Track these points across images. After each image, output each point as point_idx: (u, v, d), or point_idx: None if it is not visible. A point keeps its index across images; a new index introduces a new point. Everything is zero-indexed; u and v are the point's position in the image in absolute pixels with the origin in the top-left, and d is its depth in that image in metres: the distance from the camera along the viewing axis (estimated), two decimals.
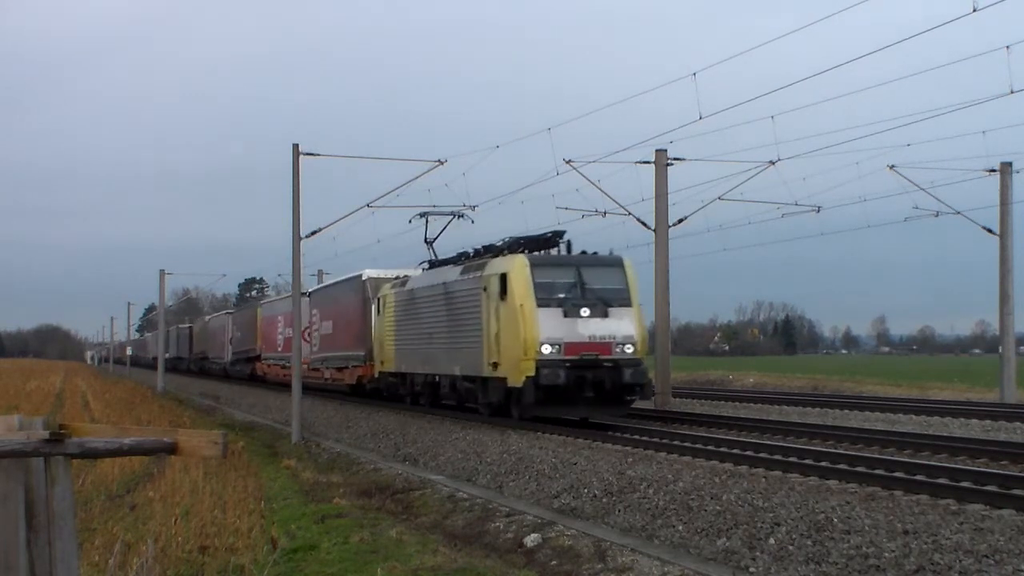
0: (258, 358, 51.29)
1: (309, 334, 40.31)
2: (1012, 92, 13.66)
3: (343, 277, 37.31)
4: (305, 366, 38.65)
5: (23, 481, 5.37)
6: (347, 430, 27.40)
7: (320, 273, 57.01)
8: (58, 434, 5.42)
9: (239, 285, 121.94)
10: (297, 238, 26.80)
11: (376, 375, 31.48)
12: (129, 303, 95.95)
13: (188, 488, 14.73)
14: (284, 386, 42.97)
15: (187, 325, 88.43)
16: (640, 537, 12.12)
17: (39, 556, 5.38)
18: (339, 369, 36.50)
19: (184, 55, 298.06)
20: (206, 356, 71.30)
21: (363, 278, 32.87)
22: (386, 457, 21.64)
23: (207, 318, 77.16)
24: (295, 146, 26.16)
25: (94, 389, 54.39)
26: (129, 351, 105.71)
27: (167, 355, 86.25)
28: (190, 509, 13.20)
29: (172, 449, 5.78)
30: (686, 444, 17.61)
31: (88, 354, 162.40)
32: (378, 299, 30.69)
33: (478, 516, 13.89)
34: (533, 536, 12.11)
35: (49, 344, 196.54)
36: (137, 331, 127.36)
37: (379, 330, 30.40)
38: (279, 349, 46.49)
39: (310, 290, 41.77)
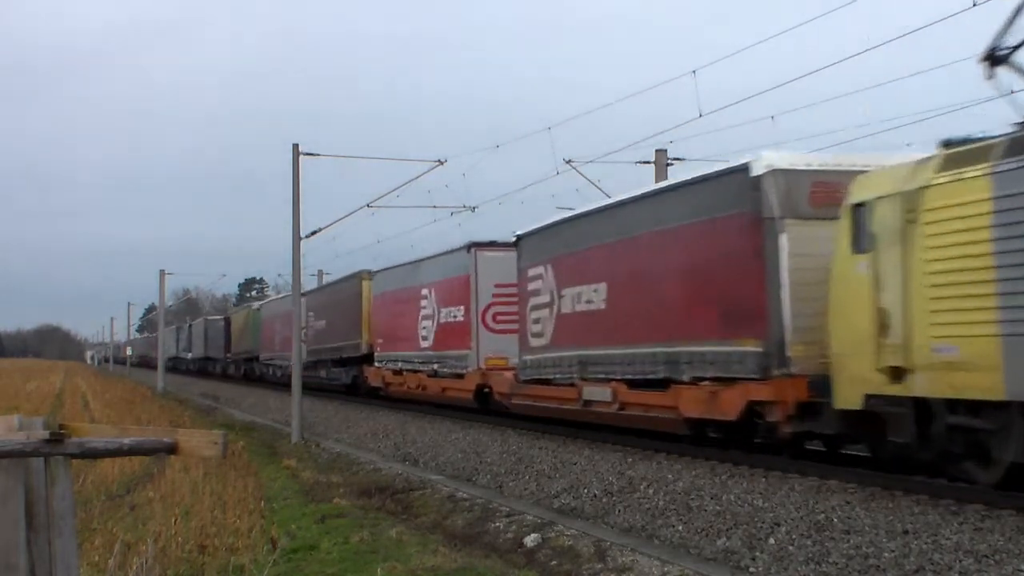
0: (365, 359, 33.75)
1: (532, 309, 21.69)
2: (1012, 92, 13.58)
3: (663, 184, 19.79)
4: (556, 377, 20.09)
5: (23, 481, 5.37)
6: (347, 430, 27.41)
7: (320, 273, 56.75)
8: (58, 434, 5.42)
9: (239, 285, 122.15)
10: (297, 238, 26.81)
11: (856, 401, 12.61)
12: (129, 303, 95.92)
13: (188, 488, 14.73)
14: (449, 408, 26.69)
15: (220, 316, 71.92)
16: (640, 537, 12.13)
17: (39, 556, 5.38)
18: (644, 387, 17.15)
19: (184, 56, 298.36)
20: (254, 356, 53.46)
21: (753, 173, 14.50)
22: (386, 457, 21.64)
23: (255, 305, 57.60)
24: (295, 146, 26.19)
25: (94, 389, 54.40)
26: (129, 351, 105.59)
27: (190, 355, 75.66)
28: (190, 509, 13.20)
29: (172, 449, 5.78)
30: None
31: (88, 354, 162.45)
32: (863, 211, 12.64)
33: (478, 516, 13.90)
34: (533, 536, 12.12)
35: (49, 344, 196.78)
36: (138, 331, 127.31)
37: (859, 294, 12.54)
38: (425, 345, 27.90)
39: (531, 228, 22.09)
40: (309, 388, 39.40)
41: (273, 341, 48.29)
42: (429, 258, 28.58)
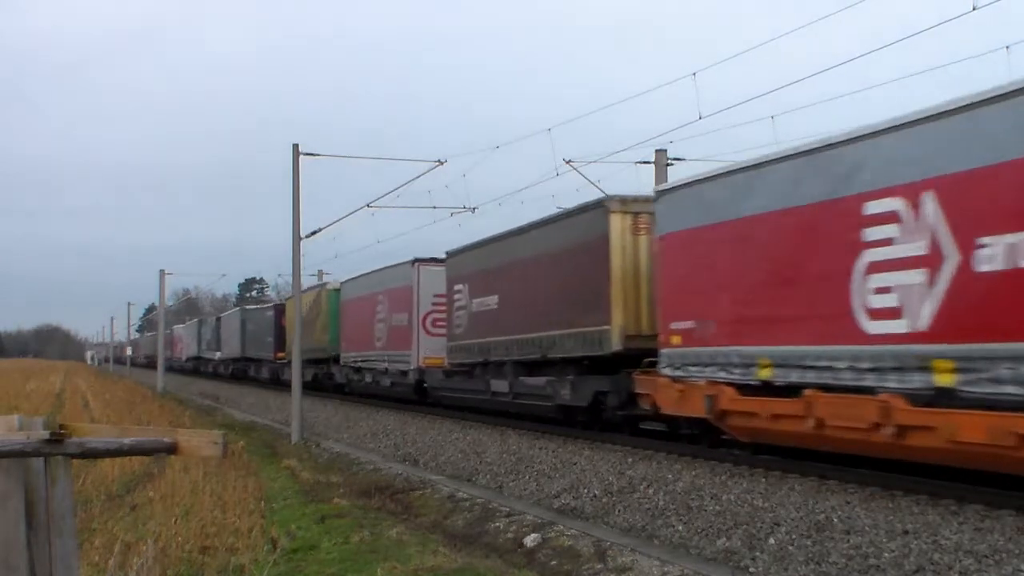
0: (622, 361, 18.24)
1: None
2: None
3: None
4: None
5: (23, 481, 5.37)
6: (347, 430, 27.40)
7: (320, 273, 56.56)
8: (58, 434, 5.41)
9: (239, 285, 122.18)
10: (297, 238, 26.80)
11: None
12: (129, 303, 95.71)
13: (188, 488, 14.73)
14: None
15: (267, 304, 56.92)
16: (640, 537, 12.13)
17: (39, 556, 5.38)
18: None
19: (184, 56, 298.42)
20: (330, 357, 38.25)
21: None
22: (386, 457, 21.64)
23: (331, 283, 40.05)
24: (295, 146, 26.18)
25: (94, 389, 54.39)
26: (130, 351, 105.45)
27: (218, 355, 62.89)
28: (190, 509, 13.20)
29: (172, 449, 5.78)
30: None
31: (88, 354, 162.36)
32: None
33: (478, 516, 13.90)
34: (533, 536, 12.12)
35: (49, 344, 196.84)
36: (138, 331, 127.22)
37: None
38: (897, 330, 11.83)
39: None
40: (462, 410, 26.10)
41: (367, 334, 33.02)
42: (917, 121, 11.77)
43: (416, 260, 29.16)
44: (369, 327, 32.95)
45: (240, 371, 56.54)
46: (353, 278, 36.36)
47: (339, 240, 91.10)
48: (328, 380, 38.93)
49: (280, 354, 45.73)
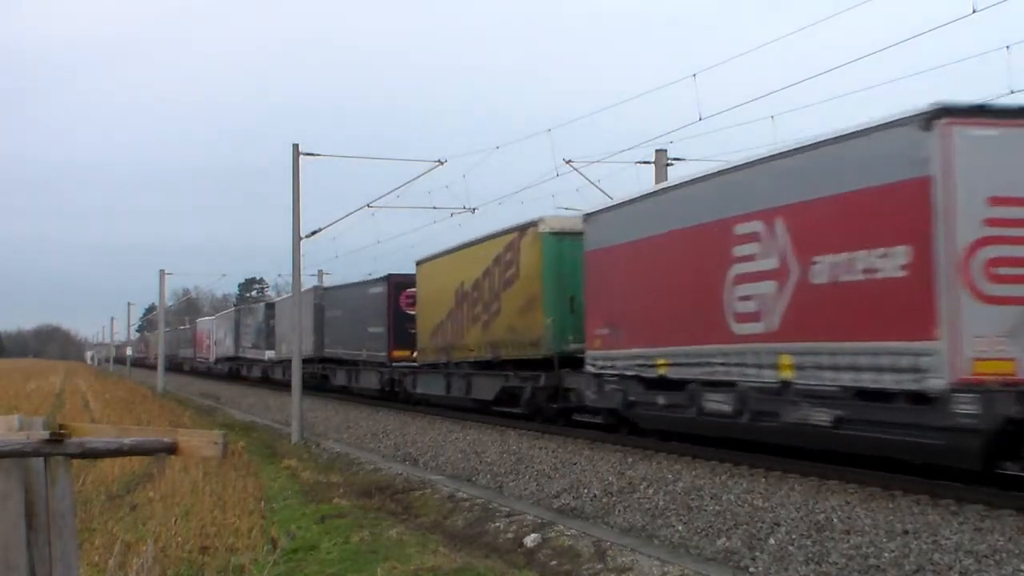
0: None
1: None
2: (1012, 93, 13.33)
3: None
4: None
5: (23, 481, 5.37)
6: (347, 430, 27.41)
7: (320, 273, 56.33)
8: (58, 434, 5.41)
9: (239, 285, 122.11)
10: (297, 238, 26.80)
11: None
12: (129, 303, 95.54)
13: (188, 488, 14.72)
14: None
15: (376, 278, 34.67)
16: (640, 537, 12.13)
17: (39, 556, 5.38)
18: None
19: (184, 56, 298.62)
20: (543, 357, 21.56)
21: None
22: (386, 457, 21.64)
23: (579, 217, 20.45)
24: (295, 146, 26.19)
25: (94, 389, 54.38)
26: (129, 351, 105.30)
27: (268, 356, 49.11)
28: (190, 509, 13.19)
29: (172, 449, 5.78)
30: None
31: (88, 354, 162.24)
32: None
33: (478, 516, 13.89)
34: (533, 536, 12.12)
35: (49, 344, 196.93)
36: (138, 331, 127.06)
37: None
38: None
39: None
40: None
41: (702, 309, 15.64)
42: None
43: (942, 109, 11.50)
44: (709, 294, 15.50)
45: (315, 378, 39.19)
46: (630, 200, 18.65)
47: (339, 240, 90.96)
48: (548, 399, 22.12)
49: (401, 352, 32.02)
